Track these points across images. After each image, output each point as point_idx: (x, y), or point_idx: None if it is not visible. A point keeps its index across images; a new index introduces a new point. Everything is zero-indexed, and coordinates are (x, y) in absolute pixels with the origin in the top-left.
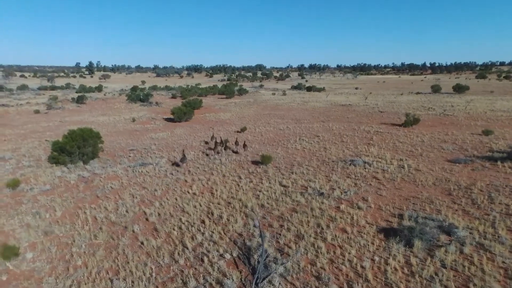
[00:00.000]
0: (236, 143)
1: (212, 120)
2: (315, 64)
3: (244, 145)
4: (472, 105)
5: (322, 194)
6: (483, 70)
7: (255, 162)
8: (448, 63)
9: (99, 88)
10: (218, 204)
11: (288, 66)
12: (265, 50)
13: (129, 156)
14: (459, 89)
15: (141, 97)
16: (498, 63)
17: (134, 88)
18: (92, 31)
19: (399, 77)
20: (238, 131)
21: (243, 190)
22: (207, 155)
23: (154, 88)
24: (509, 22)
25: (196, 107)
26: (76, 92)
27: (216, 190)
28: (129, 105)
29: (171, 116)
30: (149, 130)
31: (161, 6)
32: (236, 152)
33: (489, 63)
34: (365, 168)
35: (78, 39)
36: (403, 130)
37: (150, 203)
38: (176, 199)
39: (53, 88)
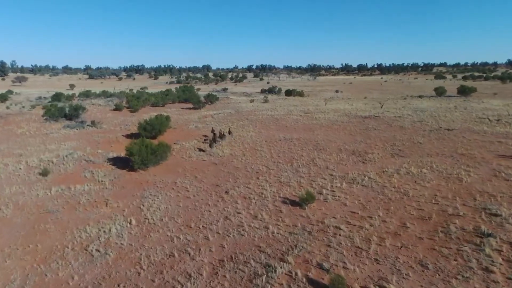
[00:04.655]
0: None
1: (205, 160)
2: (264, 64)
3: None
4: None
5: None
6: (426, 71)
7: None
8: (388, 64)
9: (3, 97)
10: None
11: (234, 67)
12: (210, 50)
13: None
14: (464, 91)
15: (67, 111)
16: (432, 64)
17: (57, 96)
18: (3, 24)
19: (355, 78)
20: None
21: None
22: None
23: (87, 94)
24: (437, 24)
25: (162, 130)
26: None
27: None
28: (46, 126)
29: (124, 154)
30: (82, 211)
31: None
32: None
33: (425, 64)
34: None
35: None
36: None
37: None
38: None
39: None
